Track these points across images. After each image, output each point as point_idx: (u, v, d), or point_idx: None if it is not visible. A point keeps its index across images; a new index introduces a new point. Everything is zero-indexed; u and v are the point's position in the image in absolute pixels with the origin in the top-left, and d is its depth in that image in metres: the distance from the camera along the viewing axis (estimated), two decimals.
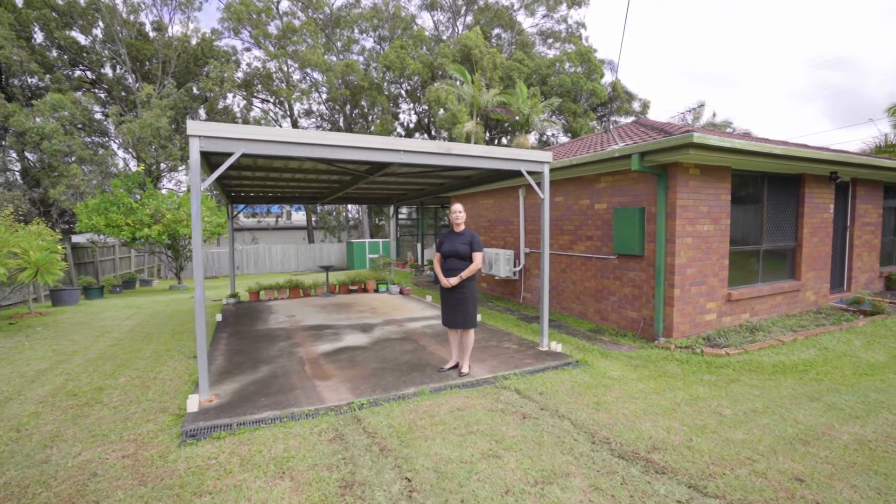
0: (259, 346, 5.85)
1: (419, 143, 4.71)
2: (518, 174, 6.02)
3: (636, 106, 30.44)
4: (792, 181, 7.32)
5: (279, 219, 35.62)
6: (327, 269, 10.35)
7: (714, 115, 25.58)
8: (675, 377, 4.73)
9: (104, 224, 11.56)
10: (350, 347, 5.78)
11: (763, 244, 7.03)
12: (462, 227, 4.72)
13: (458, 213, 4.66)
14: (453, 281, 4.52)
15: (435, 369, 4.87)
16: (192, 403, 3.84)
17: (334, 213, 29.68)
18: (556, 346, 5.55)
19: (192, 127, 3.79)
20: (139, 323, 7.84)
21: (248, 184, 7.88)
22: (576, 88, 27.28)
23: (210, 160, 4.59)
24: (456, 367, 4.88)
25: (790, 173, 7.21)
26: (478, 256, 4.58)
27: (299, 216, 35.96)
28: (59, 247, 8.35)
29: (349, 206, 31.33)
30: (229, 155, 3.97)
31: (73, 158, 18.47)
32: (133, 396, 4.33)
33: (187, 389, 4.44)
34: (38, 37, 22.83)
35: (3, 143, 18.93)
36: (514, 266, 9.21)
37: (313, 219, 29.16)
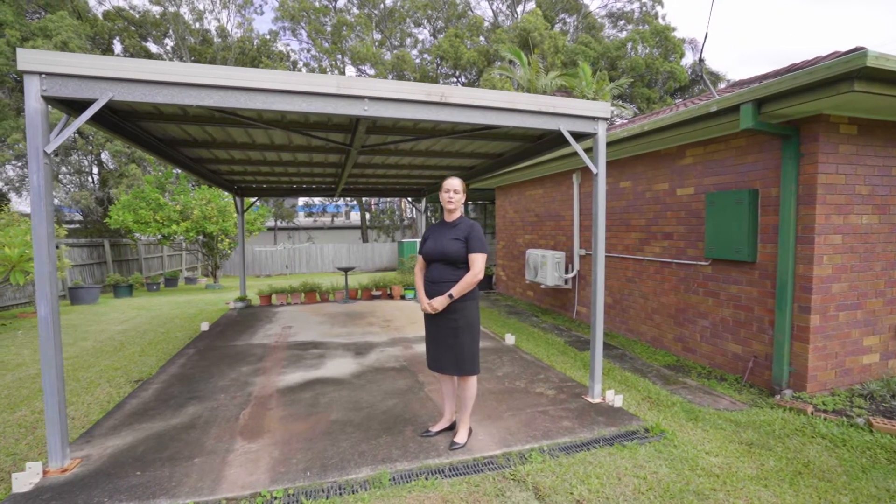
0: (214, 373, 4.55)
1: (393, 85, 3.08)
2: (559, 141, 4.21)
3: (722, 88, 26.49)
4: None
5: (335, 218, 35.78)
6: (346, 270, 9.04)
7: None
8: (830, 479, 2.68)
9: (132, 221, 11.22)
10: (323, 380, 4.29)
11: None
12: (457, 215, 3.00)
13: (453, 192, 2.95)
14: (437, 303, 2.85)
15: (419, 429, 3.21)
16: (26, 479, 2.52)
17: (387, 212, 28.90)
18: (614, 399, 3.65)
19: (27, 58, 2.48)
20: (128, 328, 6.99)
21: (241, 170, 6.72)
22: (650, 71, 24.14)
23: (76, 108, 2.84)
24: (451, 427, 3.20)
25: None
26: (478, 260, 2.85)
27: (357, 216, 35.84)
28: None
29: (404, 206, 30.43)
30: (92, 103, 2.63)
31: (142, 161, 19.11)
32: (0, 446, 3.15)
33: (73, 436, 3.19)
34: (117, 47, 24.34)
35: (75, 146, 20.07)
36: (566, 272, 7.27)
37: (367, 217, 28.63)
